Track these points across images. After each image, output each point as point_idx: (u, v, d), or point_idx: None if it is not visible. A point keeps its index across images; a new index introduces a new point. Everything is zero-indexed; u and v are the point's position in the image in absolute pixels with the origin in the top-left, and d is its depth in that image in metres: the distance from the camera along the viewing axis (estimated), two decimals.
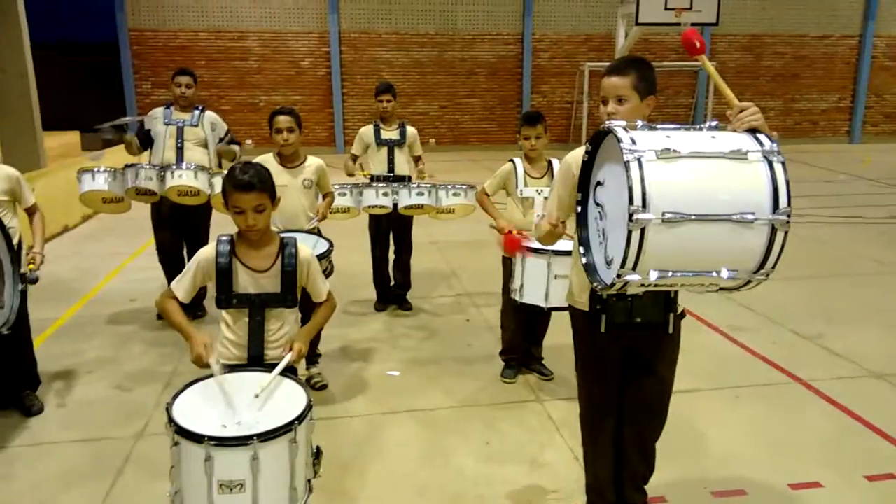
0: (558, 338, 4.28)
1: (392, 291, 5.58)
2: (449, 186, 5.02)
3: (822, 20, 19.26)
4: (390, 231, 5.42)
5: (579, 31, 18.40)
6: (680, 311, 2.51)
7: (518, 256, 3.78)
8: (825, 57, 19.40)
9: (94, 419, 3.74)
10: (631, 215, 1.91)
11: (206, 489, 1.91)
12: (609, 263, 2.18)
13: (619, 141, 2.00)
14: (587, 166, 2.32)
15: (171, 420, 1.98)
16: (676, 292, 2.46)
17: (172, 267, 5.32)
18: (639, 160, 1.95)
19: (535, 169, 4.07)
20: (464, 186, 5.04)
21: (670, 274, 2.02)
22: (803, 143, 18.44)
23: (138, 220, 5.64)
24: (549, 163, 4.11)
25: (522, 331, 4.17)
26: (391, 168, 5.29)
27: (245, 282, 2.36)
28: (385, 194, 4.95)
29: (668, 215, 1.93)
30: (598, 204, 2.28)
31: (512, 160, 4.12)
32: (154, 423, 3.69)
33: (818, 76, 19.47)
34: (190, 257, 5.34)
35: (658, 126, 2.15)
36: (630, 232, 1.93)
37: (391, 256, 5.53)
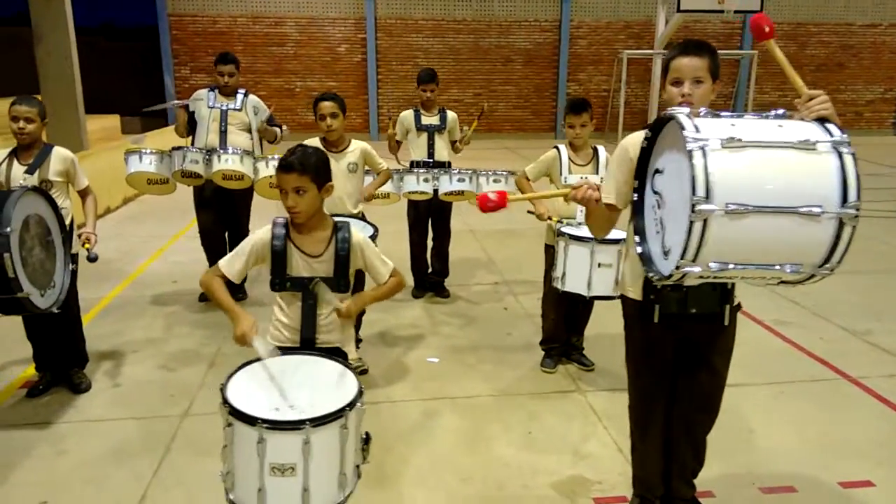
0: (598, 327, 4.27)
1: (429, 278, 5.58)
2: (490, 173, 4.98)
3: (870, 8, 18.68)
4: (429, 217, 5.40)
5: (618, 17, 18.12)
6: (736, 302, 2.45)
7: (561, 244, 3.74)
8: (872, 46, 18.83)
9: (140, 398, 3.81)
10: (693, 206, 1.87)
11: (258, 471, 1.92)
12: (667, 254, 2.14)
13: (682, 128, 1.95)
14: (645, 153, 2.28)
15: (225, 401, 1.99)
16: (734, 283, 2.41)
17: (214, 250, 5.39)
18: (703, 149, 1.90)
19: (579, 156, 4.02)
20: (504, 173, 5.00)
21: (731, 266, 1.97)
22: (847, 134, 17.98)
23: (178, 203, 5.72)
24: (595, 150, 4.05)
25: (563, 320, 4.13)
26: (431, 154, 5.27)
27: (299, 265, 2.37)
28: (426, 180, 4.94)
29: (732, 207, 1.88)
30: (655, 192, 2.24)
31: (556, 147, 4.07)
32: (199, 403, 3.75)
33: (864, 66, 18.93)
34: (231, 241, 5.42)
35: (721, 113, 2.09)
36: (692, 223, 1.88)
37: (429, 243, 5.53)
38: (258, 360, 2.25)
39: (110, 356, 4.34)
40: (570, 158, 4.00)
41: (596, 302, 3.93)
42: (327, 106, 3.97)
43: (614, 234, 3.68)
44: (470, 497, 2.92)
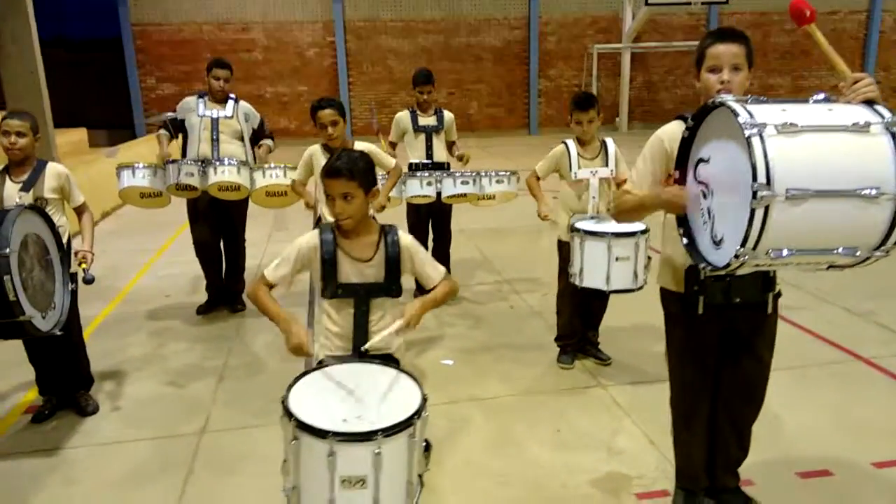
0: (609, 320, 4.24)
1: None
2: (492, 174, 4.95)
3: None
4: (429, 219, 5.34)
5: (585, 12, 18.27)
6: (777, 289, 2.44)
7: (577, 239, 3.71)
8: (833, 33, 19.23)
9: (153, 417, 3.68)
10: (755, 193, 1.84)
11: (328, 485, 1.84)
12: (718, 243, 2.11)
13: (736, 115, 1.92)
14: (686, 143, 2.25)
15: (289, 414, 1.90)
16: (775, 271, 2.39)
17: (210, 261, 5.26)
18: (760, 135, 1.87)
19: (587, 150, 4.00)
20: (507, 173, 4.97)
21: (786, 253, 1.95)
22: None
23: (157, 216, 5.54)
24: (603, 143, 4.03)
25: (579, 315, 4.11)
26: (429, 155, 5.21)
27: (348, 271, 2.29)
28: (429, 184, 4.88)
29: (793, 192, 1.86)
30: (700, 182, 2.21)
31: (564, 142, 4.04)
32: (215, 419, 3.63)
33: None
34: (227, 252, 5.29)
35: (764, 99, 2.07)
36: (753, 210, 1.85)
37: (429, 245, 5.45)
38: (313, 370, 2.17)
39: (113, 376, 4.19)
40: (578, 153, 3.97)
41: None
42: (327, 115, 3.87)
43: (631, 226, 3.68)
44: (510, 500, 2.87)
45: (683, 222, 2.28)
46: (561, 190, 4.06)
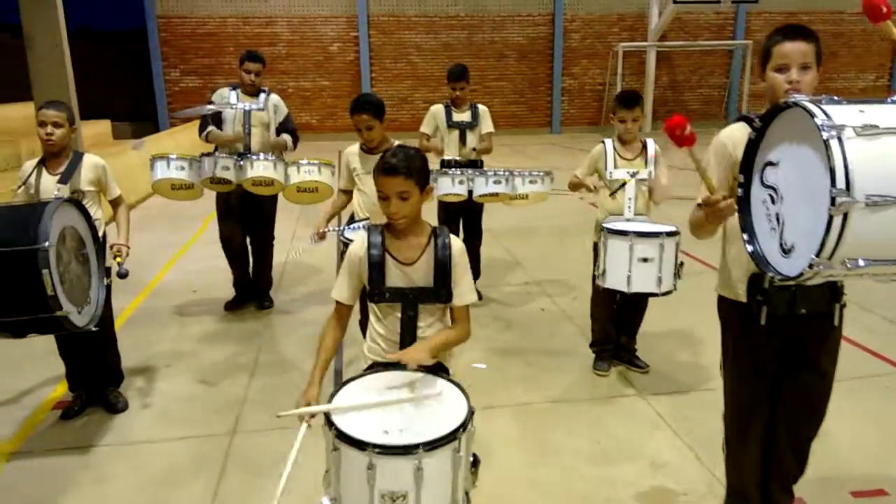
0: (645, 327, 4.13)
1: None
2: (526, 174, 4.83)
3: None
4: (460, 218, 5.25)
5: (611, 10, 18.08)
6: (843, 300, 2.33)
7: (602, 239, 3.61)
8: (863, 34, 18.91)
9: (182, 416, 3.64)
10: (833, 199, 1.73)
11: (368, 499, 1.76)
12: (787, 251, 2.01)
13: (813, 116, 1.81)
14: (752, 145, 2.14)
15: (331, 424, 1.82)
16: (843, 281, 2.28)
17: (236, 257, 5.22)
18: (838, 137, 1.76)
19: (627, 150, 3.89)
20: (541, 174, 4.85)
21: (863, 263, 1.84)
22: None
23: (184, 210, 5.51)
24: (644, 143, 3.92)
25: (614, 321, 4.00)
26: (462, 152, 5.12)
27: (395, 275, 2.20)
28: (461, 182, 4.77)
29: (874, 198, 1.74)
30: (767, 186, 2.10)
31: (603, 141, 3.94)
32: (246, 419, 3.58)
33: (856, 54, 19.01)
34: (254, 248, 5.24)
35: (838, 99, 1.96)
36: (831, 218, 1.75)
37: None
38: (358, 377, 2.09)
39: (142, 371, 4.15)
40: (616, 152, 3.87)
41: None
42: (363, 120, 3.69)
43: (654, 227, 3.58)
44: None
45: (748, 228, 2.17)
46: (599, 191, 3.96)
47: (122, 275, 3.42)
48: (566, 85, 18.30)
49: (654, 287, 3.57)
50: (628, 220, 3.79)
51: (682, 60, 18.55)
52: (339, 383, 2.08)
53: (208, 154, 4.58)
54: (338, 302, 2.29)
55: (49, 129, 3.41)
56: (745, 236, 2.18)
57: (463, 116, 5.11)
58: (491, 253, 6.57)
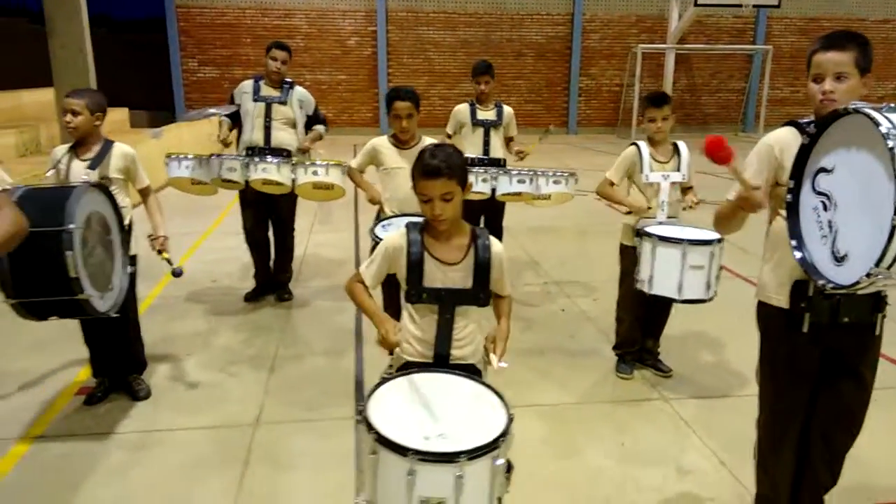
0: (666, 330, 4.09)
1: None
2: (550, 173, 4.80)
3: (882, 4, 18.59)
4: (481, 216, 5.22)
5: (630, 11, 17.99)
6: (885, 310, 2.29)
7: (647, 245, 3.56)
8: (884, 42, 18.74)
9: (204, 405, 3.63)
10: None
11: None
12: (840, 259, 1.98)
13: (877, 124, 1.79)
14: (805, 151, 2.10)
15: (370, 427, 1.79)
16: (887, 290, 2.24)
17: (259, 249, 5.22)
18: None
19: (660, 153, 3.84)
20: (565, 174, 4.82)
21: None
22: None
23: (202, 200, 5.49)
24: (675, 146, 3.87)
25: (641, 324, 3.97)
26: (486, 150, 5.10)
27: (433, 275, 2.16)
28: (484, 180, 4.74)
29: None
30: (819, 193, 2.07)
31: (635, 143, 3.89)
32: (269, 411, 3.57)
33: (877, 62, 18.53)
34: (276, 240, 5.23)
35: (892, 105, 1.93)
36: (894, 227, 1.72)
37: None
38: (394, 376, 2.06)
39: (163, 360, 4.16)
40: (651, 155, 3.81)
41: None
42: (405, 107, 3.72)
43: (706, 234, 3.53)
44: None
45: (796, 234, 2.14)
46: (630, 193, 3.92)
47: (178, 273, 3.44)
48: (583, 85, 18.23)
49: (704, 294, 3.52)
50: (661, 223, 3.75)
51: (700, 63, 18.44)
52: (375, 384, 2.04)
53: (218, 155, 4.56)
54: (360, 277, 2.26)
55: (68, 116, 3.42)
56: (794, 242, 2.15)
57: (488, 115, 5.08)
58: (510, 253, 6.52)
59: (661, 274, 3.56)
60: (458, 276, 2.18)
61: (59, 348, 4.13)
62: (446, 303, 2.17)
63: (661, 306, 3.93)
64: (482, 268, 2.18)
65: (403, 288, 2.20)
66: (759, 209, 2.18)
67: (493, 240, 2.23)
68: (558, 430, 3.41)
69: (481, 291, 2.20)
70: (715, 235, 3.51)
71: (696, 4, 14.87)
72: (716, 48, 17.90)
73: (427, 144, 3.89)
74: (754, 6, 15.14)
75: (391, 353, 2.29)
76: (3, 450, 3.15)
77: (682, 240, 3.48)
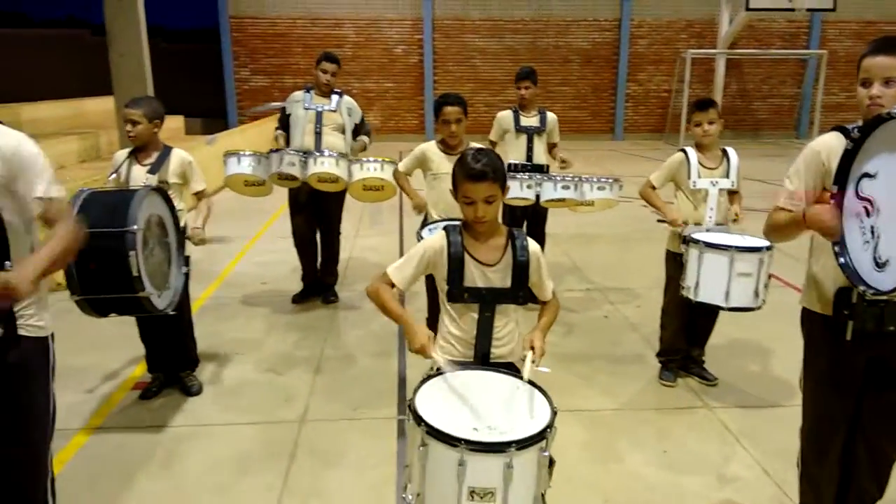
0: (714, 338, 4.05)
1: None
2: (594, 180, 4.79)
3: None
4: (524, 222, 5.25)
5: (680, 16, 17.75)
6: None
7: (693, 251, 3.54)
8: None
9: (253, 402, 3.75)
10: None
11: (456, 495, 1.79)
12: (882, 265, 1.96)
13: None
14: (849, 156, 2.09)
15: (419, 420, 1.85)
16: None
17: (307, 252, 5.35)
18: None
19: (708, 159, 3.81)
20: (609, 180, 4.81)
21: None
22: None
23: (253, 204, 5.66)
24: (724, 152, 3.84)
25: (685, 331, 3.94)
26: (529, 157, 5.13)
27: (473, 275, 2.22)
28: (528, 186, 4.77)
29: None
30: (862, 198, 2.05)
31: (683, 149, 3.87)
32: (314, 409, 3.67)
33: None
34: (323, 242, 5.36)
35: None
36: None
37: None
38: (437, 374, 2.12)
39: (215, 358, 4.30)
40: (699, 161, 3.79)
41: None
42: (455, 111, 3.78)
43: (755, 241, 3.49)
44: None
45: (839, 240, 2.12)
46: (675, 200, 3.90)
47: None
48: (630, 91, 18.05)
49: (752, 302, 3.47)
50: (708, 230, 3.72)
51: (752, 69, 18.06)
52: (421, 380, 2.10)
53: (276, 150, 4.70)
54: (387, 279, 2.28)
55: (128, 126, 3.59)
56: (836, 248, 2.13)
57: (531, 121, 5.12)
58: (553, 258, 6.55)
59: (708, 281, 3.53)
60: (497, 277, 2.23)
61: (117, 346, 4.31)
62: (487, 302, 2.22)
63: (707, 314, 3.89)
64: (520, 267, 2.23)
65: (443, 289, 2.25)
66: (831, 234, 2.08)
67: (529, 240, 2.28)
68: (599, 436, 3.41)
69: (520, 290, 2.24)
70: (764, 243, 3.46)
71: (747, 9, 14.57)
72: (768, 54, 17.52)
73: (468, 148, 3.96)
74: (808, 9, 14.75)
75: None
76: (65, 440, 3.32)
77: (730, 246, 3.44)
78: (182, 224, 3.68)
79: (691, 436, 3.41)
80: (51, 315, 2.12)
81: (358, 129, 5.29)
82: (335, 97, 5.12)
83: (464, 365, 2.21)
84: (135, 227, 3.01)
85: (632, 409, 3.69)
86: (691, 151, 3.81)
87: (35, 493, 2.10)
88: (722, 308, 3.51)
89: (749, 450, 3.26)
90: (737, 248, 3.41)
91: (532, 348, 2.21)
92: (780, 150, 15.60)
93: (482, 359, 2.26)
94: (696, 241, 3.54)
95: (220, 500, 2.91)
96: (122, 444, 3.34)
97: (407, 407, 1.95)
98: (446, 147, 3.92)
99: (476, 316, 2.24)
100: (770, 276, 3.52)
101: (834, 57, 17.31)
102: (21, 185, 1.95)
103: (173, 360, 3.86)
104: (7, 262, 1.90)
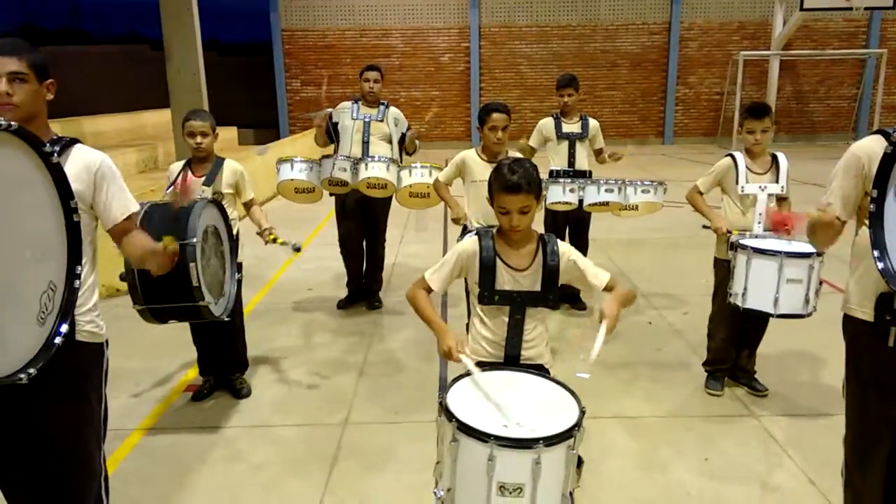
0: (764, 347, 3.97)
1: (564, 289, 5.40)
2: (638, 183, 4.78)
3: None
4: (567, 227, 5.25)
5: (731, 18, 17.42)
6: None
7: (741, 257, 3.49)
8: None
9: (300, 404, 3.86)
10: None
11: (486, 491, 1.84)
12: None
13: None
14: (889, 160, 2.05)
15: (451, 416, 1.91)
16: None
17: (353, 258, 5.46)
18: None
19: (757, 164, 3.76)
20: (653, 183, 4.78)
21: None
22: None
23: (301, 213, 5.80)
24: (774, 157, 3.78)
25: (734, 340, 3.88)
26: (571, 163, 5.14)
27: (504, 279, 2.28)
28: (571, 191, 4.78)
29: None
30: None
31: (731, 154, 3.82)
32: (357, 412, 3.75)
33: None
34: (368, 249, 5.47)
35: None
36: None
37: None
38: (467, 374, 2.17)
39: (264, 361, 4.44)
40: (747, 167, 3.74)
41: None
42: (503, 119, 3.81)
43: (805, 247, 3.43)
44: None
45: (879, 244, 2.09)
46: (723, 205, 3.86)
47: (298, 248, 3.75)
48: (680, 94, 17.78)
49: (801, 308, 3.42)
50: (757, 236, 3.67)
51: (807, 70, 17.58)
52: (452, 379, 2.16)
53: (328, 156, 4.83)
54: (425, 283, 2.34)
55: (198, 139, 3.73)
56: (876, 253, 2.10)
57: (573, 128, 5.12)
58: (596, 263, 6.49)
59: (757, 287, 3.48)
60: (528, 281, 2.27)
61: (170, 350, 4.49)
62: (517, 305, 2.27)
63: (756, 321, 3.81)
64: (551, 272, 2.27)
65: (475, 292, 2.31)
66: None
67: (560, 244, 2.32)
68: (641, 442, 3.40)
69: (550, 294, 2.29)
70: (812, 248, 3.40)
71: (802, 9, 14.20)
72: (825, 54, 17.02)
73: (503, 158, 4.01)
74: (866, 8, 14.28)
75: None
76: (119, 440, 3.48)
77: (779, 252, 3.39)
78: (234, 232, 3.82)
79: (735, 444, 3.36)
80: (105, 322, 2.23)
81: (403, 140, 5.39)
82: (381, 107, 5.23)
83: (492, 366, 2.26)
84: (194, 239, 3.14)
85: (674, 417, 3.66)
86: (739, 156, 3.76)
87: (89, 493, 2.18)
88: (771, 315, 3.46)
89: (795, 459, 3.20)
90: (786, 253, 3.35)
91: (603, 319, 2.18)
92: (838, 152, 14.98)
93: (512, 360, 2.31)
94: (745, 247, 3.49)
95: (266, 498, 3.01)
96: (175, 443, 3.48)
97: (438, 404, 2.01)
98: (487, 155, 3.96)
99: (506, 318, 2.29)
100: (822, 281, 3.45)
101: (894, 56, 16.71)
102: (100, 198, 2.12)
103: (224, 363, 4.00)
104: (77, 267, 2.02)
